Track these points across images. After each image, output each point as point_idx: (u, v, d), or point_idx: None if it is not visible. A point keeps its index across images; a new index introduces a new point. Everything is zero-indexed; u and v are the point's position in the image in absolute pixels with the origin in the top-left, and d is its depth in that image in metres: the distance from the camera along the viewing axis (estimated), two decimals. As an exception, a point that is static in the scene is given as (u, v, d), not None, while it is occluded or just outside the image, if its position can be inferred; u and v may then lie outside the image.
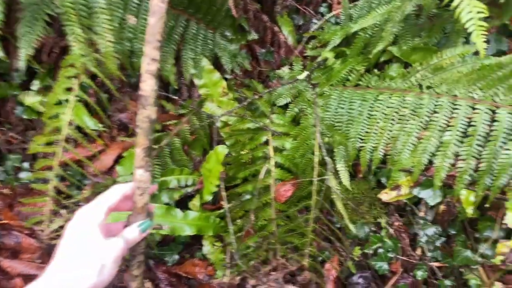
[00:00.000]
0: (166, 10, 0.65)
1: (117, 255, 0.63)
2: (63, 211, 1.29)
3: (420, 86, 0.97)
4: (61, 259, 0.62)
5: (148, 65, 0.65)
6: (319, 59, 1.30)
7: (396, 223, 1.30)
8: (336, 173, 1.19)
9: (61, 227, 1.24)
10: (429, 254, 1.25)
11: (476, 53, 0.92)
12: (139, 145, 0.65)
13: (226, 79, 1.41)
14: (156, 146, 1.28)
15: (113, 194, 0.67)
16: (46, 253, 1.28)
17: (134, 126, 1.51)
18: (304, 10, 1.44)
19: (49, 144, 1.27)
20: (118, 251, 0.63)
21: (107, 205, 0.65)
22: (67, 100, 1.25)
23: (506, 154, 0.76)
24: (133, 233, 0.67)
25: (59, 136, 1.24)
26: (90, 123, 1.38)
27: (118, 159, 1.40)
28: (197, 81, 1.31)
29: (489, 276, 1.19)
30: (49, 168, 1.28)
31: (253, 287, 1.24)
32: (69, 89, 1.25)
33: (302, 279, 1.22)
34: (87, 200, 1.34)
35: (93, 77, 1.41)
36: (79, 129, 1.42)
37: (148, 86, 0.65)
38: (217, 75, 1.30)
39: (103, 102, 1.48)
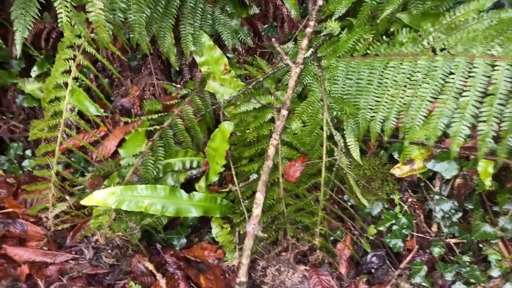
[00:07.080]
0: None
1: None
2: (68, 198, 1.27)
3: (433, 49, 0.91)
4: None
5: None
6: (325, 32, 1.25)
7: (410, 199, 1.25)
8: (346, 149, 1.14)
9: (65, 212, 1.21)
10: (445, 230, 1.20)
11: (492, 8, 0.86)
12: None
13: (228, 57, 1.36)
14: (158, 127, 1.25)
15: None
16: (52, 240, 1.26)
17: (136, 110, 1.48)
18: (307, -18, 1.37)
19: (50, 128, 1.24)
20: None
21: None
22: (65, 84, 1.22)
23: (530, 112, 0.71)
24: None
25: (59, 120, 1.21)
26: (92, 109, 1.36)
27: (121, 144, 1.37)
28: (198, 58, 1.27)
29: (510, 250, 1.14)
30: (52, 154, 1.25)
31: (264, 269, 1.20)
32: (67, 72, 1.22)
33: (313, 259, 1.18)
34: (91, 184, 1.31)
35: (93, 63, 1.38)
36: (81, 115, 1.39)
37: None
38: (218, 51, 1.25)
39: (104, 87, 1.45)
